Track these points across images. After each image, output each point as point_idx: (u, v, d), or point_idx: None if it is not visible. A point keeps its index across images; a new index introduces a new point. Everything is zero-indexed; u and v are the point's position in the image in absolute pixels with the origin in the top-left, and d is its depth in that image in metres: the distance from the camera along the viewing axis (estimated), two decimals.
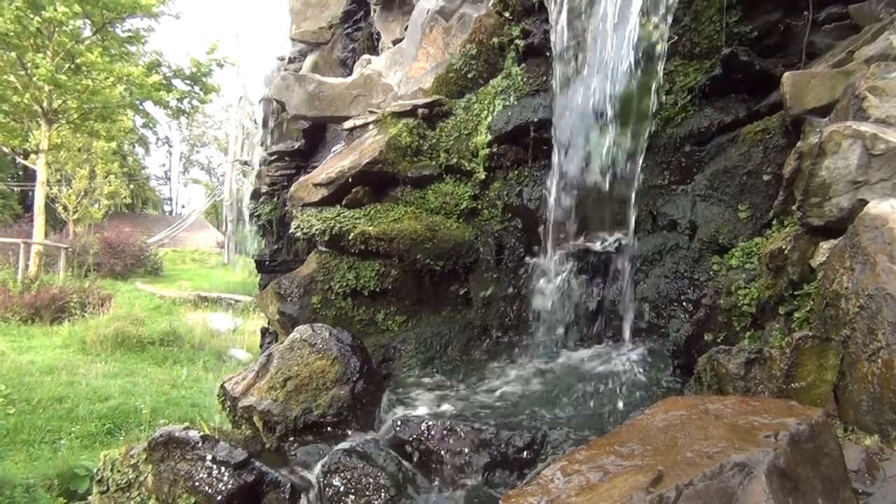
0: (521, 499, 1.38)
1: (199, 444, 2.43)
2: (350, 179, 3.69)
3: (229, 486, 2.34)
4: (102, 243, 21.18)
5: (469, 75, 3.92)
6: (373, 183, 3.75)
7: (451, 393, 2.96)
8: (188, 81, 20.15)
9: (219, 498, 2.33)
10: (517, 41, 3.71)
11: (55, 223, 28.01)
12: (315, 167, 4.85)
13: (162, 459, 2.48)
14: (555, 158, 3.39)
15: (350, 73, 5.43)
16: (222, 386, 2.94)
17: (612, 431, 1.65)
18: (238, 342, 12.67)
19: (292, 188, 4.02)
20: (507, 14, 3.75)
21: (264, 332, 6.09)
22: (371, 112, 4.09)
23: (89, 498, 4.87)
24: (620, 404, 2.62)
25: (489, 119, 3.66)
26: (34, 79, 16.64)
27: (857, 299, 1.80)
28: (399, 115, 3.82)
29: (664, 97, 3.14)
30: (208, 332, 12.98)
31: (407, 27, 4.95)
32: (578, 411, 2.62)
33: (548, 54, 3.48)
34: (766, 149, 2.81)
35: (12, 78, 17.16)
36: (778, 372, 1.96)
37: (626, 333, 3.08)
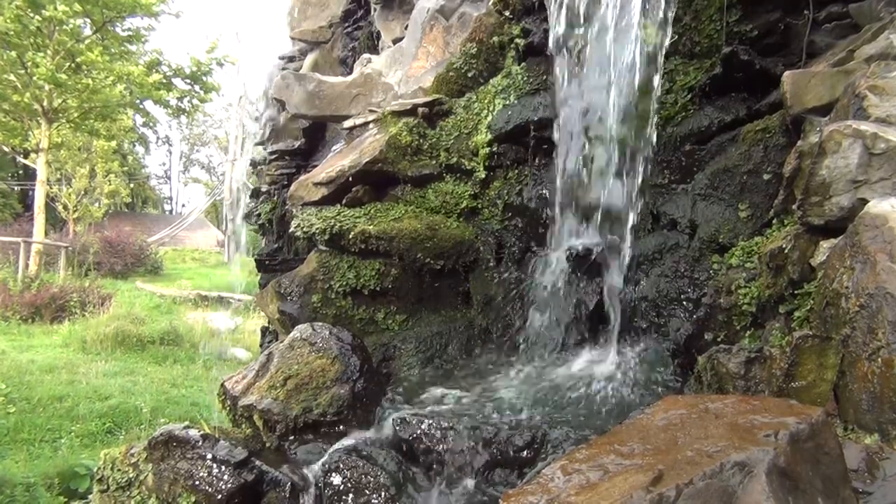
0: (521, 498, 1.38)
1: (200, 443, 2.43)
2: (350, 178, 3.69)
3: (229, 485, 2.34)
4: (102, 242, 21.17)
5: (469, 74, 3.92)
6: (373, 182, 3.75)
7: (451, 392, 2.96)
8: (188, 80, 20.11)
9: (219, 497, 2.33)
10: (517, 40, 3.70)
11: (55, 222, 28.00)
12: (315, 166, 4.85)
13: (162, 458, 2.48)
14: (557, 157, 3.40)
15: (350, 72, 5.42)
16: (222, 385, 2.94)
17: (612, 430, 1.65)
18: (238, 341, 12.67)
19: (292, 187, 4.02)
20: (507, 13, 3.74)
21: (264, 331, 6.10)
22: (371, 111, 4.08)
23: (89, 497, 4.87)
24: (620, 403, 2.62)
25: (489, 118, 3.66)
26: (34, 78, 16.62)
27: (858, 298, 1.80)
28: (399, 114, 3.82)
29: (664, 96, 3.14)
30: (208, 331, 12.98)
31: (407, 26, 4.95)
32: (578, 410, 2.62)
33: (548, 53, 3.48)
34: (766, 148, 2.81)
35: (12, 77, 17.14)
36: (778, 371, 1.96)
37: (626, 332, 3.08)
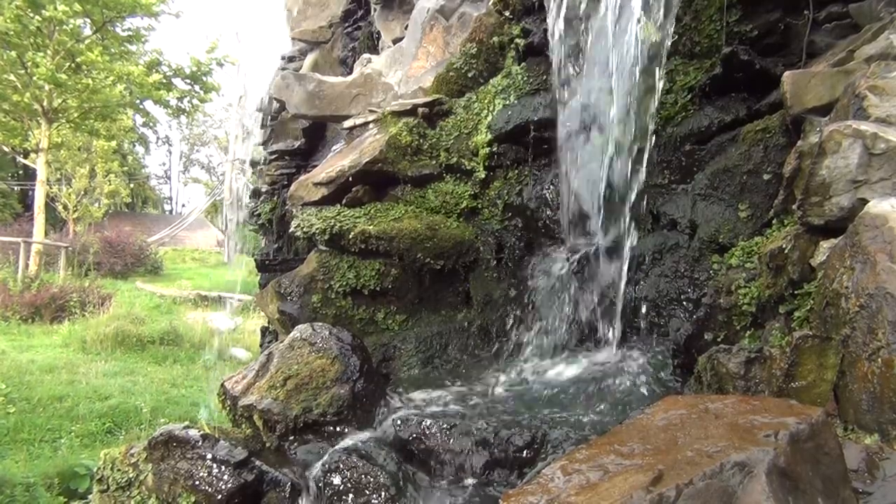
0: (521, 498, 1.38)
1: (200, 443, 2.43)
2: (350, 178, 3.69)
3: (229, 485, 2.34)
4: (102, 242, 21.17)
5: (469, 74, 3.92)
6: (373, 182, 3.75)
7: (451, 392, 2.96)
8: (188, 80, 20.12)
9: (219, 497, 2.33)
10: (517, 40, 3.71)
11: (55, 222, 27.99)
12: (315, 166, 4.85)
13: (162, 458, 2.48)
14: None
15: (350, 73, 5.42)
16: (222, 385, 2.94)
17: (612, 430, 1.65)
18: (238, 341, 12.67)
19: (292, 187, 4.02)
20: (507, 13, 3.75)
21: (264, 331, 6.10)
22: (371, 111, 4.08)
23: (89, 497, 4.87)
24: (620, 403, 2.62)
25: (489, 118, 3.66)
26: (34, 78, 16.63)
27: (858, 298, 1.80)
28: (399, 114, 3.82)
29: (665, 96, 3.14)
30: (208, 331, 12.98)
31: (407, 26, 4.95)
32: (578, 410, 2.62)
33: (548, 53, 3.48)
34: (766, 148, 2.81)
35: (12, 77, 17.15)
36: (778, 371, 1.96)
37: (626, 333, 3.08)
